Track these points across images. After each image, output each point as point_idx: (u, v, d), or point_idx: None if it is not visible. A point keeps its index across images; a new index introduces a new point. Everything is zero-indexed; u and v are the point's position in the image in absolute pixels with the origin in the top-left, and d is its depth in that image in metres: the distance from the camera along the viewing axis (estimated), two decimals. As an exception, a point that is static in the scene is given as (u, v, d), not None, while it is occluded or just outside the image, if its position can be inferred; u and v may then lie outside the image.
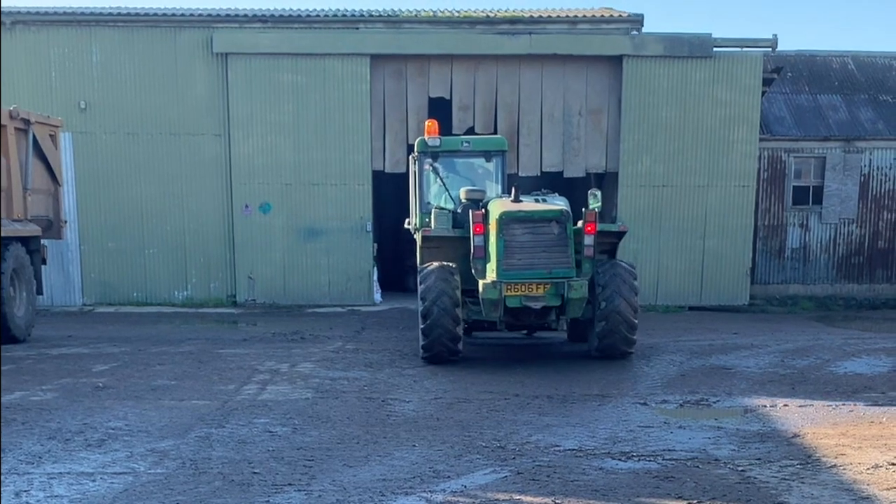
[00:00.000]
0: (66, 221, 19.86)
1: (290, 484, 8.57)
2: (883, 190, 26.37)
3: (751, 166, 24.86)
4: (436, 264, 15.58)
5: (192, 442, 10.09)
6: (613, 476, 9.01)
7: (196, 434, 10.46)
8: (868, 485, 8.64)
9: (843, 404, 12.54)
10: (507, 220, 15.07)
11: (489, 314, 15.30)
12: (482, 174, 18.14)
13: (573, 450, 10.00)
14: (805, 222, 26.50)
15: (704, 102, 24.51)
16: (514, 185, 16.10)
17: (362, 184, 24.57)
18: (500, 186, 17.59)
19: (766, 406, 12.42)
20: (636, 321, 15.64)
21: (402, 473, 8.99)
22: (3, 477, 8.54)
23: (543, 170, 24.88)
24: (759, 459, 9.61)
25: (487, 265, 15.32)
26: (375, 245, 25.12)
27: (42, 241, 18.66)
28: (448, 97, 24.68)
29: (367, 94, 24.33)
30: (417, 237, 17.06)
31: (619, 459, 9.63)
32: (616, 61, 24.52)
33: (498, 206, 15.41)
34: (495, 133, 24.11)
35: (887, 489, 8.49)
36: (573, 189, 25.05)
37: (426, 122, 17.95)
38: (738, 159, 24.68)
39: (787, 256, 26.65)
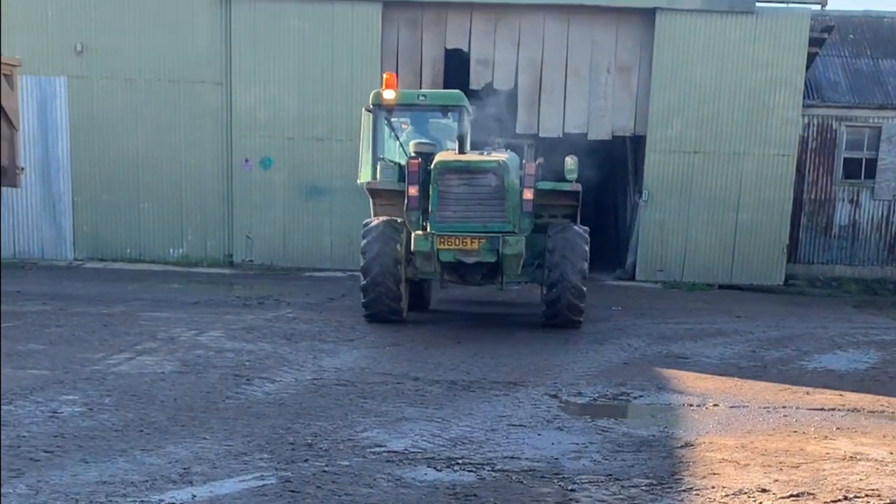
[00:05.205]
0: (22, 168, 18.10)
1: (-25, 486, 7.01)
2: (943, 165, 23.81)
3: (792, 134, 22.61)
4: (381, 219, 14.98)
5: (-56, 425, 8.56)
6: (402, 491, 7.34)
7: (-34, 415, 8.92)
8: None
9: (783, 407, 10.66)
10: (442, 169, 14.34)
11: (423, 268, 14.86)
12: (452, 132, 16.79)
13: (394, 452, 8.33)
14: (856, 198, 24.06)
15: (743, 62, 22.27)
16: (459, 134, 15.17)
17: (370, 141, 22.94)
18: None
19: (691, 405, 10.63)
20: (584, 288, 14.89)
21: (136, 475, 7.36)
22: None
23: (567, 131, 22.90)
24: (608, 476, 7.84)
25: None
26: (384, 207, 23.46)
27: (-1, 187, 17.29)
28: (466, 49, 22.89)
29: (377, 45, 22.65)
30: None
31: (435, 468, 7.94)
32: (648, 14, 22.44)
33: (438, 157, 14.61)
34: (515, 90, 22.51)
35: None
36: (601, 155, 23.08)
37: (384, 75, 16.84)
38: (778, 126, 22.46)
39: (833, 234, 24.21)
